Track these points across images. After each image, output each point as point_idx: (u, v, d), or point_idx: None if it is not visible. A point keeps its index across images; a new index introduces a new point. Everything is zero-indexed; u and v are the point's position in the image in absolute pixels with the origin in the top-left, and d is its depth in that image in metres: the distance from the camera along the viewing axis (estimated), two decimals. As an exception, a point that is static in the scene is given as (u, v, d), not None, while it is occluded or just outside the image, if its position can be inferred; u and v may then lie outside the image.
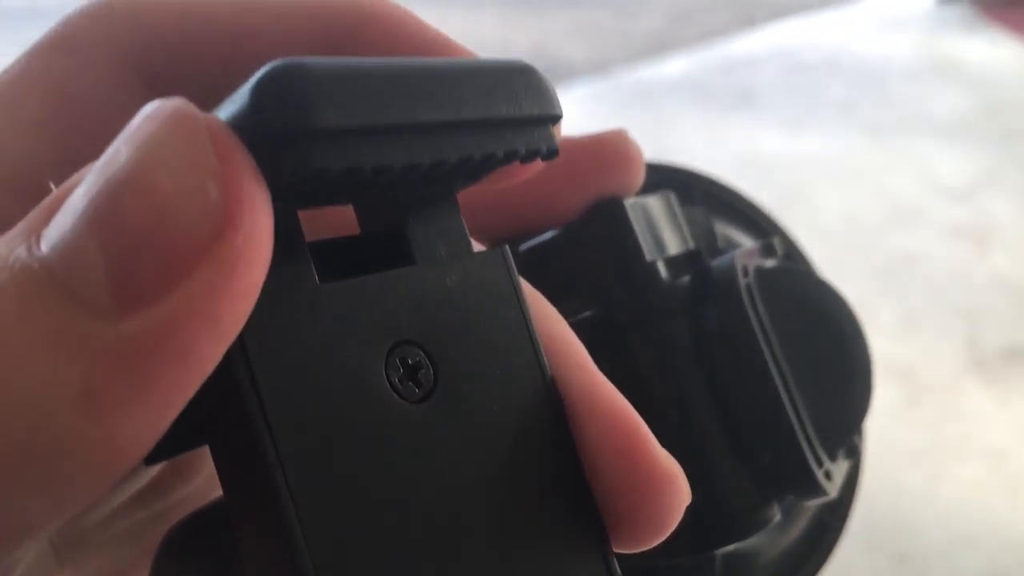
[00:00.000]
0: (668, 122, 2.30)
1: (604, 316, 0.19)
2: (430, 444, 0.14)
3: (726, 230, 0.23)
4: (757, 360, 0.19)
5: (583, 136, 0.19)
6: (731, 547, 0.20)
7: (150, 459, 0.14)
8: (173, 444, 0.13)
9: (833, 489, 0.19)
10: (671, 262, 0.21)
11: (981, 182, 2.01)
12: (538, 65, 0.15)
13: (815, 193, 2.04)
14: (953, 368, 1.64)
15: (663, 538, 0.15)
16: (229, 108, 0.12)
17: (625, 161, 0.19)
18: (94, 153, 0.12)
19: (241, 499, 0.13)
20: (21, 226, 0.12)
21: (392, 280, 0.14)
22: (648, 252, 0.20)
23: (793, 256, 0.23)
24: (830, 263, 1.87)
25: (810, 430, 0.19)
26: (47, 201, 0.12)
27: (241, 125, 0.12)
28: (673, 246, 0.21)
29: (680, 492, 0.15)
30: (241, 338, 0.12)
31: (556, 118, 0.15)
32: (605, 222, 0.19)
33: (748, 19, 2.76)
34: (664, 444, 0.16)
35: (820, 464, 0.19)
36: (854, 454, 0.21)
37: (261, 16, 0.16)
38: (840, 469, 0.20)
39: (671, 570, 0.20)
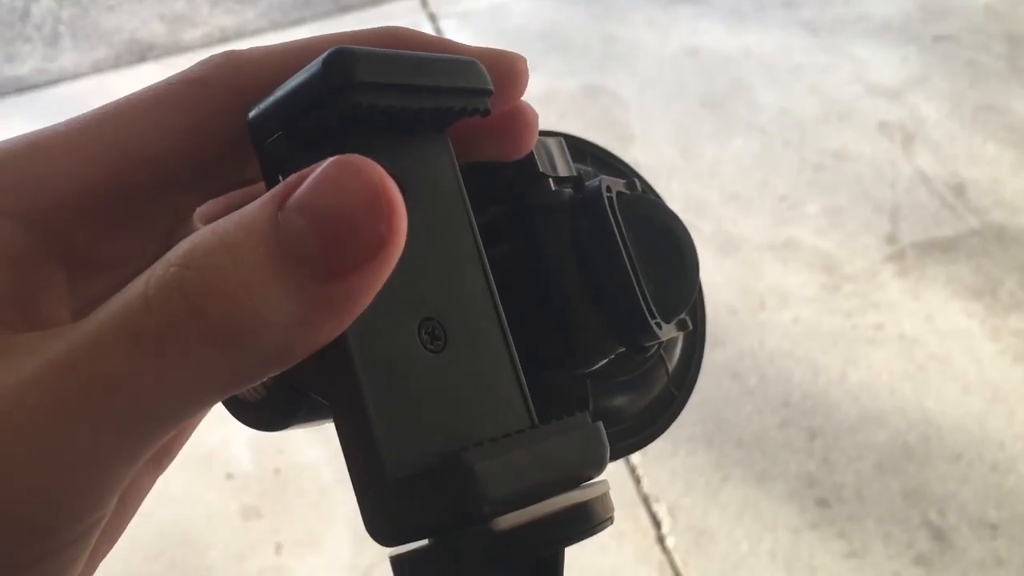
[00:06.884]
0: (616, 11, 2.27)
1: (514, 209, 0.27)
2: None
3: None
4: (612, 241, 0.28)
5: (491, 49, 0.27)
6: (602, 402, 0.29)
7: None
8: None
9: (663, 336, 0.28)
10: (558, 180, 0.29)
11: (912, 84, 2.04)
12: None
13: (753, 88, 2.06)
14: (873, 260, 1.71)
15: (527, 150, 0.25)
16: (303, 75, 0.21)
17: (519, 76, 0.27)
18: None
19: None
20: (266, 211, 0.19)
21: (393, 140, 0.23)
22: (541, 167, 0.29)
23: (649, 193, 0.32)
24: (764, 157, 1.92)
25: (648, 293, 0.28)
26: (278, 189, 0.19)
27: (315, 81, 0.20)
28: (561, 171, 0.30)
29: (534, 117, 0.24)
30: None
31: (491, 91, 0.23)
32: None
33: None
34: (548, 292, 0.27)
35: (653, 316, 0.28)
36: (685, 327, 0.30)
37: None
38: (670, 332, 0.29)
39: (556, 389, 0.28)
